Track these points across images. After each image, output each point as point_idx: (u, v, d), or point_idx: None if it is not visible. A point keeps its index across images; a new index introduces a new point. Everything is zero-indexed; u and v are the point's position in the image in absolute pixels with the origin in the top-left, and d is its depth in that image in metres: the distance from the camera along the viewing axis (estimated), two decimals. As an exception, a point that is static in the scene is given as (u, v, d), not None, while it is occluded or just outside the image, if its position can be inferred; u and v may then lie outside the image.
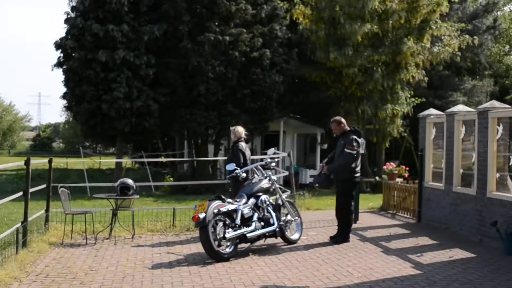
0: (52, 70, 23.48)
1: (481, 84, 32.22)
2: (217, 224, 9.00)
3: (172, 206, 16.79)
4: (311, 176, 25.82)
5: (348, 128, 10.77)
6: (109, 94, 21.59)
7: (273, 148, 11.15)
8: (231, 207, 9.27)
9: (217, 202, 9.11)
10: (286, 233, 10.32)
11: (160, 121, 23.19)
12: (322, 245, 10.46)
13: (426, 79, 24.74)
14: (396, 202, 15.19)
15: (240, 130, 11.01)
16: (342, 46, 22.29)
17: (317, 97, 29.25)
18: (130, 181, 11.10)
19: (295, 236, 10.58)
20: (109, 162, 39.08)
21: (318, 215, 14.65)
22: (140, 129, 22.68)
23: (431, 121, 13.33)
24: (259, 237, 9.66)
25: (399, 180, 15.97)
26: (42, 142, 78.57)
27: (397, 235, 11.51)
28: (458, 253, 9.62)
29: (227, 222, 9.14)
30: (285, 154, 18.25)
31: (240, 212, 9.32)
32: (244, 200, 9.64)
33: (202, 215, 8.81)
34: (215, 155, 25.75)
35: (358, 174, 10.64)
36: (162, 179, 25.62)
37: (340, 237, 10.61)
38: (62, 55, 22.72)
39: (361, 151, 10.62)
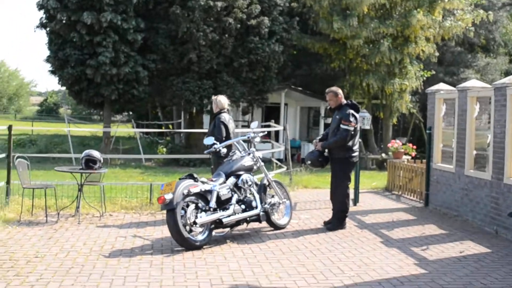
0: (35, 31, 22.01)
1: (495, 61, 30.62)
2: (187, 206, 7.72)
3: (157, 180, 15.83)
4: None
5: (345, 101, 9.41)
6: (94, 58, 20.25)
7: (256, 121, 9.79)
8: (205, 187, 7.96)
9: (187, 182, 7.82)
10: (273, 217, 9.05)
11: (151, 89, 21.79)
12: (314, 231, 9.18)
13: (436, 54, 23.32)
14: (401, 182, 13.95)
15: (223, 100, 9.83)
16: (347, 17, 21.11)
17: (320, 69, 28.09)
18: (96, 153, 9.86)
19: (283, 221, 9.31)
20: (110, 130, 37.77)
21: (315, 195, 13.45)
22: (128, 96, 21.25)
23: (441, 97, 11.92)
24: (238, 222, 8.39)
25: (405, 158, 14.63)
26: (49, 108, 77.38)
27: (400, 222, 10.21)
28: (470, 247, 8.28)
29: (199, 205, 7.88)
30: (281, 128, 16.92)
31: (215, 193, 8.03)
32: (221, 180, 8.35)
33: (169, 196, 7.53)
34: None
35: (356, 153, 9.34)
36: (156, 149, 24.36)
37: (335, 223, 9.33)
38: (44, 16, 21.19)
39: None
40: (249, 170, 8.85)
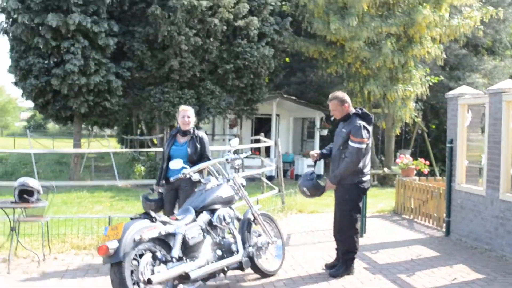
0: (-3, 38, 19.77)
1: (503, 64, 28.80)
2: (140, 257, 5.67)
3: (128, 206, 13.83)
4: (308, 166, 22.63)
5: (353, 111, 7.41)
6: (60, 67, 18.12)
7: (237, 138, 7.76)
8: (166, 229, 5.94)
9: (141, 223, 5.80)
10: (259, 261, 7.06)
11: (126, 100, 19.72)
12: (313, 280, 7.21)
13: (444, 55, 21.50)
14: (414, 205, 12.07)
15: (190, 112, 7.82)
16: (345, 16, 19.21)
17: (315, 75, 26.32)
18: (32, 182, 7.88)
19: (273, 265, 7.35)
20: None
21: (312, 222, 11.55)
22: (100, 109, 19.13)
23: (465, 102, 9.96)
24: (212, 275, 6.31)
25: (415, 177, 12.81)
26: (37, 124, 75.58)
27: (421, 261, 8.24)
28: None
29: (158, 254, 5.86)
30: (272, 143, 14.95)
31: (180, 236, 6.04)
32: (189, 218, 6.38)
33: (113, 245, 5.50)
34: (196, 141, 22.36)
35: (367, 177, 7.41)
36: (134, 168, 22.29)
37: (341, 268, 7.31)
38: (5, 19, 19.07)
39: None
40: (227, 202, 6.85)
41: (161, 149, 19.51)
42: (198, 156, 7.59)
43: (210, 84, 19.85)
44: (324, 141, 23.83)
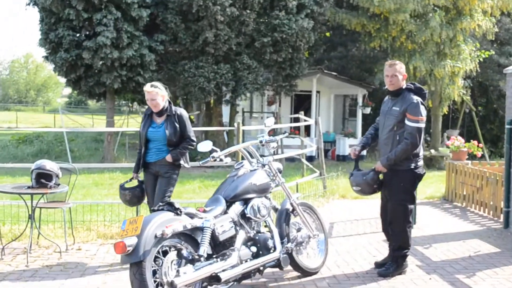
0: (26, 9, 19.29)
1: (560, 39, 27.37)
2: (164, 255, 4.98)
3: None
4: (350, 145, 21.74)
5: (405, 85, 6.52)
6: (92, 40, 17.46)
7: (272, 117, 6.96)
8: (193, 223, 5.22)
9: (163, 216, 5.09)
10: (300, 257, 6.30)
11: (160, 75, 19.01)
12: (360, 279, 6.47)
13: (496, 29, 20.37)
14: (467, 192, 11.12)
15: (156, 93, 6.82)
16: (390, -14, 18.25)
17: (358, 50, 25.34)
18: (50, 165, 7.21)
19: (315, 262, 6.61)
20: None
21: (357, 209, 10.80)
22: (133, 85, 18.46)
23: (530, 78, 8.97)
24: (246, 275, 5.60)
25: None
26: (77, 99, 76.12)
27: (480, 258, 7.41)
28: None
29: (184, 252, 5.13)
30: (313, 122, 14.13)
31: (209, 232, 5.30)
32: (219, 209, 5.64)
33: (131, 241, 4.81)
34: (231, 118, 21.68)
35: (421, 162, 6.58)
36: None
37: (391, 266, 6.52)
38: (34, -11, 18.47)
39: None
40: (263, 191, 6.09)
41: (195, 129, 19.00)
42: (178, 138, 6.79)
43: (247, 59, 19.01)
44: (366, 119, 22.92)
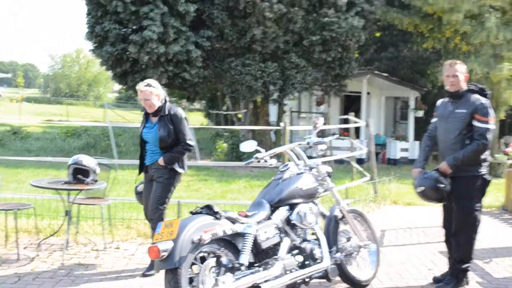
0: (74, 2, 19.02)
1: None
2: (202, 262, 4.63)
3: (205, 187, 12.86)
4: (402, 149, 21.11)
5: (466, 87, 5.98)
6: (138, 34, 17.28)
7: (321, 117, 6.44)
8: (234, 228, 4.79)
9: (202, 220, 4.67)
10: (348, 268, 5.81)
11: (206, 72, 18.71)
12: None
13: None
14: (528, 203, 10.43)
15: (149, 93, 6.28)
16: (444, -16, 17.63)
17: (410, 51, 24.66)
18: (87, 160, 6.91)
19: (364, 274, 6.11)
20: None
21: (409, 216, 10.26)
22: (179, 81, 18.21)
23: None
24: (291, 286, 5.17)
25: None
26: (127, 94, 77.19)
27: (545, 275, 6.73)
28: None
29: (223, 260, 4.71)
30: (363, 124, 13.60)
31: (251, 238, 4.87)
32: (263, 214, 5.18)
33: (166, 246, 4.42)
34: (279, 118, 21.25)
35: (487, 167, 5.98)
36: (217, 144, 21.34)
37: (450, 282, 6.01)
38: (82, -20, 18.39)
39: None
40: (310, 196, 5.63)
41: (241, 127, 18.76)
42: (173, 140, 6.24)
43: (295, 57, 18.59)
44: (418, 123, 22.21)
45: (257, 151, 5.69)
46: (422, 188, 5.95)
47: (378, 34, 24.22)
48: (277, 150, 5.93)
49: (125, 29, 17.84)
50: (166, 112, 6.25)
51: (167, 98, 6.39)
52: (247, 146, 5.69)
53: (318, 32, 18.42)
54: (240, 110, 26.13)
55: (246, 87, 18.25)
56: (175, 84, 18.55)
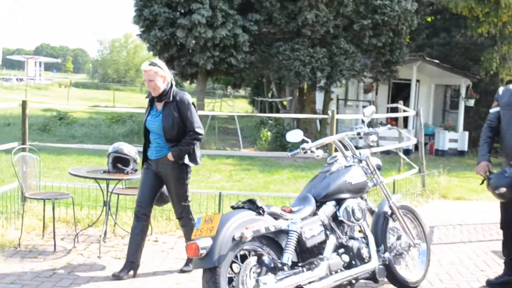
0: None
1: None
2: (242, 261, 4.39)
3: (248, 178, 12.61)
4: (450, 140, 20.48)
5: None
6: (187, 17, 17.04)
7: (372, 106, 6.08)
8: (277, 224, 4.52)
9: (243, 216, 4.42)
10: (397, 269, 5.48)
11: (252, 57, 18.45)
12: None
13: None
14: None
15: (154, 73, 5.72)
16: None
17: (463, 36, 23.86)
18: (127, 148, 6.70)
19: (414, 275, 5.76)
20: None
21: (459, 211, 9.82)
22: (225, 66, 18.01)
23: None
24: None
25: None
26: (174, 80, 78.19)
27: None
28: None
29: (265, 259, 4.45)
30: (413, 113, 13.17)
31: (294, 236, 4.58)
32: (308, 209, 4.90)
33: (205, 243, 4.18)
34: (325, 106, 20.87)
35: None
36: (260, 132, 21.07)
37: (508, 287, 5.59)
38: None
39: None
40: (358, 191, 5.30)
41: (287, 115, 18.44)
42: (178, 130, 5.69)
43: (344, 43, 18.15)
44: (469, 112, 21.53)
45: (303, 141, 5.40)
46: (503, 189, 5.44)
47: (429, 19, 23.53)
48: (325, 140, 5.62)
49: (174, 13, 17.60)
50: (171, 99, 5.70)
51: (173, 82, 5.85)
52: (293, 135, 5.40)
53: (369, 15, 17.95)
54: (286, 97, 25.81)
55: (294, 73, 17.87)
56: (221, 69, 18.36)
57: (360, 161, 5.47)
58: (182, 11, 17.66)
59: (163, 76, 5.68)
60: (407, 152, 18.42)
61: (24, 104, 7.76)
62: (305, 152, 5.33)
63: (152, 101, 5.89)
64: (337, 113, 19.06)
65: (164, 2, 17.54)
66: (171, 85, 5.76)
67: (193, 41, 17.19)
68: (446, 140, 20.85)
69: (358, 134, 5.47)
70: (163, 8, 17.40)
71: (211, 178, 12.43)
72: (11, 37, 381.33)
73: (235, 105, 23.87)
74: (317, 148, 5.39)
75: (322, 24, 17.65)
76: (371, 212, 5.57)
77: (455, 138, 20.89)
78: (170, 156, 5.67)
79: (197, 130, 5.71)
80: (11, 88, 54.35)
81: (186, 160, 5.73)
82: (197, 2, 16.90)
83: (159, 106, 5.79)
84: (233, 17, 17.43)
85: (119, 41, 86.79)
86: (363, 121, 5.61)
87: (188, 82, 23.16)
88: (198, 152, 5.88)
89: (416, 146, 15.67)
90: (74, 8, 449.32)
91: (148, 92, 5.89)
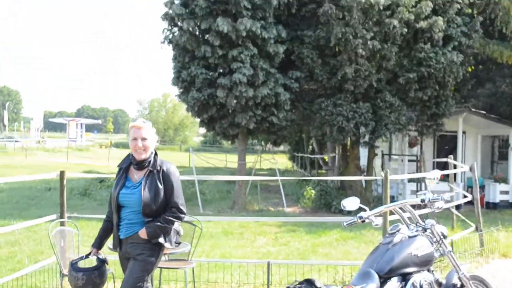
0: (161, 48, 18.91)
1: None
2: None
3: (294, 240, 12.12)
4: (501, 192, 19.74)
5: None
6: (227, 77, 16.86)
7: (437, 170, 5.62)
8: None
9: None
10: None
11: (294, 115, 18.16)
12: None
13: None
14: None
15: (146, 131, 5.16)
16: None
17: (508, 86, 23.29)
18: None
19: None
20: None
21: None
22: (266, 125, 17.73)
23: None
24: None
25: None
26: (212, 138, 78.28)
27: None
28: None
29: None
30: (467, 168, 12.60)
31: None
32: (371, 286, 4.40)
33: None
34: (369, 161, 20.33)
35: None
36: (303, 190, 20.57)
37: None
38: (168, 26, 18.16)
39: None
40: (425, 263, 4.77)
41: (334, 178, 17.99)
42: (160, 205, 4.95)
43: (389, 96, 17.72)
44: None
45: (360, 209, 4.97)
46: None
47: (470, 69, 23.07)
48: (384, 208, 5.17)
49: (211, 74, 17.47)
50: (158, 167, 5.01)
51: (156, 151, 5.17)
52: (350, 203, 4.96)
53: (414, 68, 17.55)
54: (328, 153, 25.32)
55: (338, 128, 17.45)
56: (263, 128, 18.06)
57: (425, 230, 4.96)
58: (221, 71, 17.50)
59: (154, 138, 5.14)
60: (457, 206, 17.73)
61: (62, 174, 7.49)
62: (363, 221, 4.88)
63: (126, 170, 5.14)
64: (382, 169, 18.58)
65: (201, 64, 17.43)
66: (155, 152, 5.13)
67: (234, 101, 16.99)
68: (497, 192, 20.09)
69: (422, 201, 4.98)
70: (200, 69, 17.27)
71: (256, 242, 11.95)
72: (53, 100, 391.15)
73: (276, 162, 23.51)
74: (375, 216, 4.94)
75: (364, 78, 17.26)
76: (439, 284, 5.03)
77: (506, 190, 20.14)
78: (142, 234, 4.91)
79: (181, 207, 5.02)
80: (53, 151, 54.86)
81: (161, 239, 4.98)
82: (238, 61, 16.73)
83: (136, 175, 5.07)
84: (274, 75, 17.18)
85: (157, 101, 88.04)
86: (426, 186, 5.15)
87: (230, 142, 22.94)
88: (173, 234, 5.16)
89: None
90: (115, 70, 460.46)
91: (122, 160, 5.20)
